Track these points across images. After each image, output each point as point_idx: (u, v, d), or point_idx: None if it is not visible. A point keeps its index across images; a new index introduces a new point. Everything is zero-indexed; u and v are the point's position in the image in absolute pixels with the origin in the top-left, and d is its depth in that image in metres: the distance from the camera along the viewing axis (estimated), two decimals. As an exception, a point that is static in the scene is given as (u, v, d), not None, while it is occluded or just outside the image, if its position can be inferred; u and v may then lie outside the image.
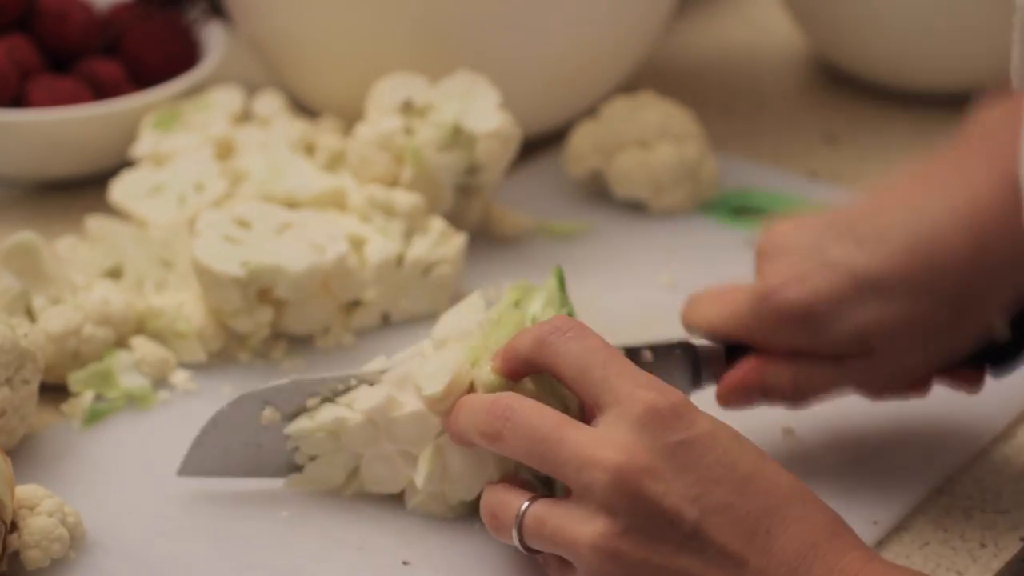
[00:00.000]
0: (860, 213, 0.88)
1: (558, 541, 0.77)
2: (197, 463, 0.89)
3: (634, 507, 0.75)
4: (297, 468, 0.88)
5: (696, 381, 0.90)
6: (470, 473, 0.84)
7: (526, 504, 0.78)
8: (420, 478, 0.85)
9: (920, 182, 0.88)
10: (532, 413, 0.78)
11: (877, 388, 0.90)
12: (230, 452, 0.88)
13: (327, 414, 0.87)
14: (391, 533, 0.86)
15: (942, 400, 0.96)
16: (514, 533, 0.78)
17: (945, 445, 0.93)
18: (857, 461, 0.91)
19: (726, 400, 0.89)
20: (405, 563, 0.84)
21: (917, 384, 0.90)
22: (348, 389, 0.87)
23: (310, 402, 0.87)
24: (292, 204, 1.05)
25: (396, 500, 0.88)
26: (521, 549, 0.79)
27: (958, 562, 0.86)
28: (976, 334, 0.88)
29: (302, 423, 0.87)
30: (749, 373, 0.89)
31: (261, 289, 0.98)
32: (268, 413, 0.88)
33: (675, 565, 0.75)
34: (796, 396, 0.89)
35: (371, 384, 0.87)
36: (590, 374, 0.78)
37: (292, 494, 0.89)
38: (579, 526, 0.76)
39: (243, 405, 0.88)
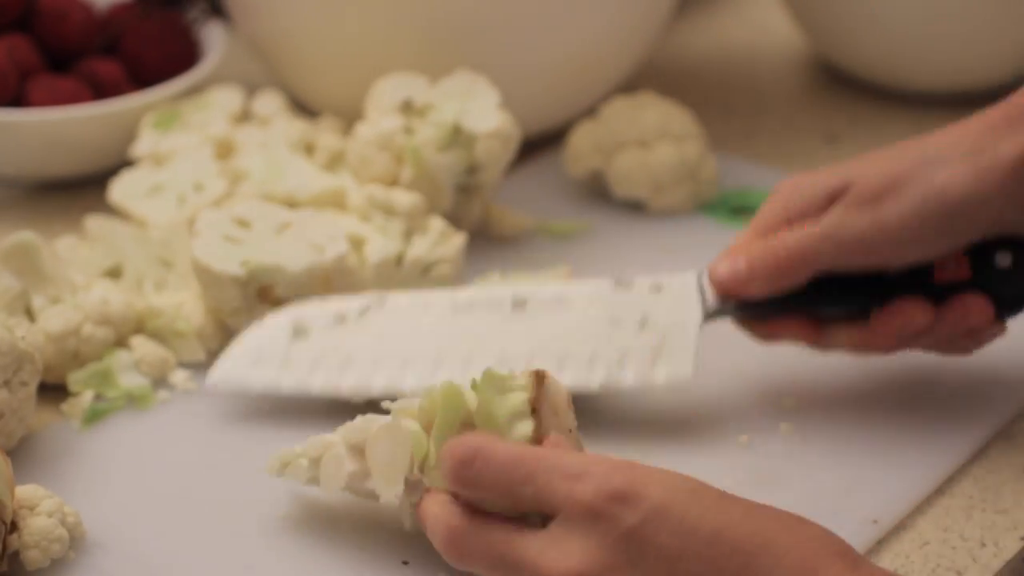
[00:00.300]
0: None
1: None
2: (225, 375, 0.93)
3: None
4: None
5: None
6: None
7: None
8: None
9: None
10: (483, 533, 0.76)
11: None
12: (258, 366, 0.93)
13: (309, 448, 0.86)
14: (391, 533, 0.86)
15: (942, 399, 0.96)
16: None
17: (945, 445, 0.92)
18: (857, 461, 0.91)
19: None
20: (405, 563, 0.84)
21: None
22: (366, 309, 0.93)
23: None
24: (292, 204, 1.05)
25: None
26: None
27: (958, 562, 0.86)
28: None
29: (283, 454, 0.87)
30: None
31: (261, 288, 0.98)
32: (296, 331, 0.92)
33: None
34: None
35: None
36: (521, 493, 0.76)
37: (292, 494, 0.89)
38: None
39: (274, 323, 0.93)
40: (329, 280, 0.99)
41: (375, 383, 0.93)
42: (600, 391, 0.92)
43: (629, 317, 0.94)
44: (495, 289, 0.96)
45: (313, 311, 0.96)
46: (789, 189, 0.93)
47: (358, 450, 0.84)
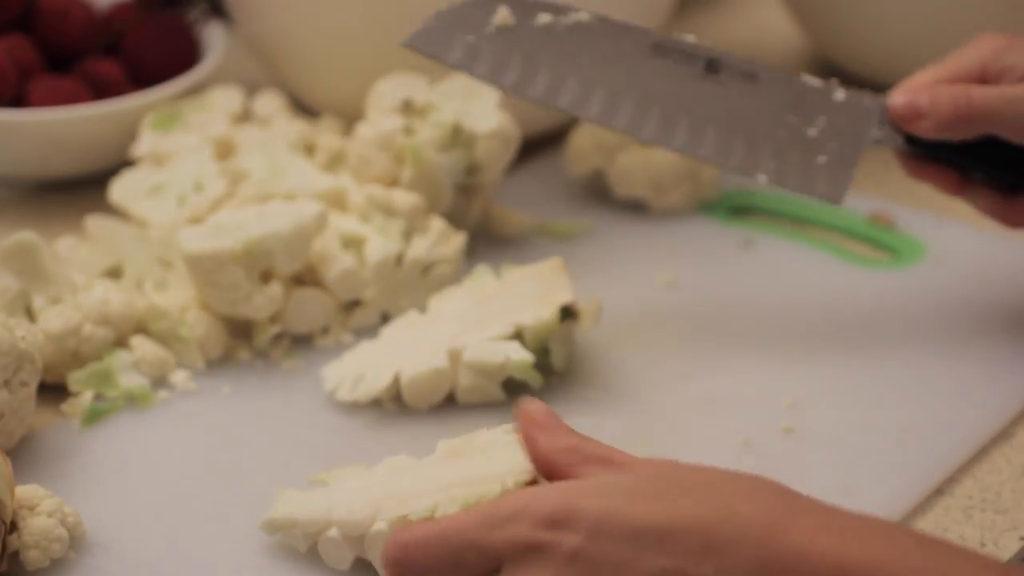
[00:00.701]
0: None
1: None
2: (424, 39, 0.94)
3: None
4: None
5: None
6: None
7: None
8: None
9: None
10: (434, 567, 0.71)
11: None
12: (456, 41, 0.94)
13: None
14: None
15: (942, 399, 0.96)
16: None
17: (945, 445, 0.92)
18: (857, 461, 0.91)
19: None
20: (405, 563, 0.84)
21: None
22: None
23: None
24: (291, 204, 1.06)
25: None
26: None
27: (958, 562, 0.86)
28: None
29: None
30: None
31: (263, 272, 0.98)
32: (502, 13, 0.93)
33: None
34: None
35: None
36: (462, 562, 0.71)
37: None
38: None
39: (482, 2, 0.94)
40: (323, 261, 1.00)
41: (564, 93, 0.96)
42: (762, 184, 0.98)
43: (807, 111, 0.98)
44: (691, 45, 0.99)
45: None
46: (991, 47, 0.94)
47: (355, 540, 0.82)
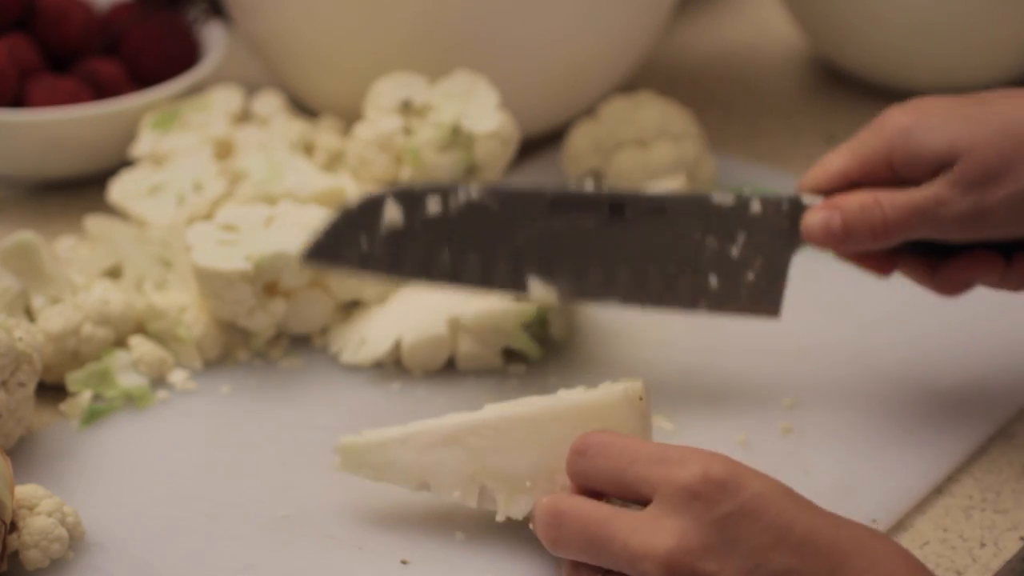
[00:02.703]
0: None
1: None
2: (318, 253, 0.91)
3: None
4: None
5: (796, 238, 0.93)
6: None
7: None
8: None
9: None
10: (580, 514, 0.78)
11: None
12: (350, 247, 0.91)
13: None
14: (391, 533, 0.86)
15: (942, 399, 0.96)
16: None
17: (945, 445, 0.92)
18: (856, 460, 0.91)
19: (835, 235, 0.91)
20: (405, 563, 0.84)
21: None
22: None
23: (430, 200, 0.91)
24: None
25: (396, 500, 0.88)
26: None
27: (958, 562, 0.86)
28: None
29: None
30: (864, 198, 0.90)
31: (267, 284, 0.98)
32: (391, 211, 0.90)
33: None
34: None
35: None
36: (623, 478, 0.78)
37: (292, 494, 0.89)
38: None
39: (369, 204, 0.91)
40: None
41: (467, 272, 0.94)
42: (685, 312, 0.94)
43: (726, 231, 0.95)
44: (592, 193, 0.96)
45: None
46: (898, 127, 0.91)
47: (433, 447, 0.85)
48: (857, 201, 0.91)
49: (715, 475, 0.75)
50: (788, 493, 0.75)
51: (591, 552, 0.78)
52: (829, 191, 0.93)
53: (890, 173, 0.91)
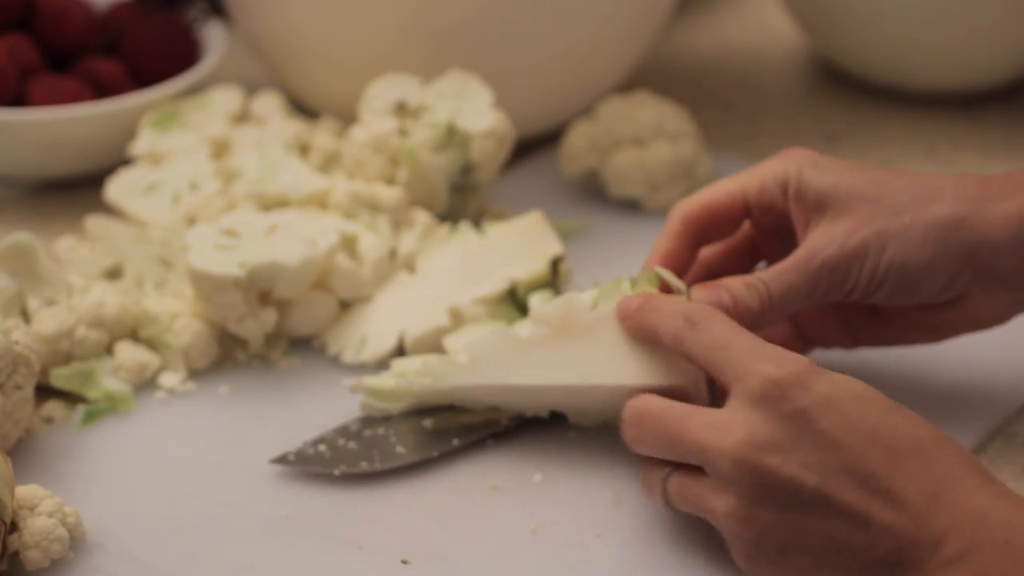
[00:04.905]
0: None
1: (700, 510, 0.82)
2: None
3: (757, 481, 0.78)
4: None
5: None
6: None
7: (667, 473, 0.83)
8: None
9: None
10: (659, 412, 0.83)
11: None
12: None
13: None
14: (391, 533, 0.86)
15: (941, 399, 0.96)
16: (661, 501, 0.84)
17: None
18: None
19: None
20: (405, 563, 0.85)
21: None
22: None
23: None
24: (284, 204, 1.06)
25: (396, 500, 0.88)
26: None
27: (957, 562, 0.86)
28: None
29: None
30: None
31: (262, 293, 0.98)
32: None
33: (805, 527, 0.78)
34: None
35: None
36: (714, 357, 0.82)
37: (292, 494, 0.89)
38: (713, 499, 0.80)
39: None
40: (326, 275, 0.99)
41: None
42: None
43: None
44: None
45: None
46: (797, 162, 0.93)
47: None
48: (739, 284, 0.91)
49: (790, 373, 0.79)
50: (858, 396, 0.79)
51: (667, 447, 0.82)
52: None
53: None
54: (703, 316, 0.84)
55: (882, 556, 0.77)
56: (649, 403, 0.83)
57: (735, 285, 0.90)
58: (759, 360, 0.80)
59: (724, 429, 0.79)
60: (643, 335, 0.86)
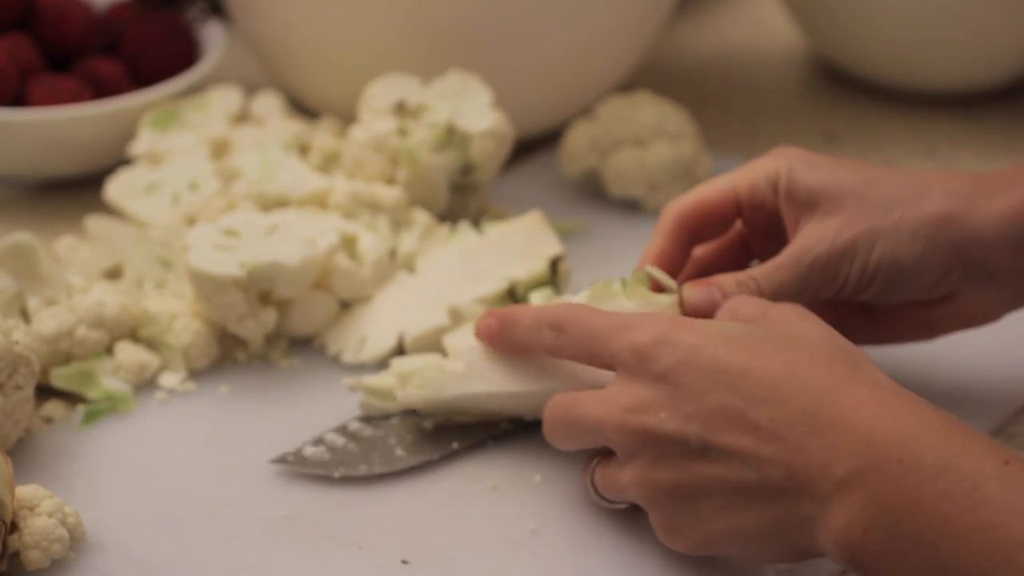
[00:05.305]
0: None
1: (617, 491, 0.83)
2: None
3: (645, 443, 0.80)
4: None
5: None
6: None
7: (593, 465, 0.85)
8: None
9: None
10: (558, 405, 0.85)
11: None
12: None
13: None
14: (391, 533, 0.86)
15: (940, 399, 0.96)
16: (593, 495, 0.86)
17: (944, 445, 0.92)
18: (856, 461, 0.91)
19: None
20: (405, 563, 0.85)
21: None
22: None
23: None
24: (283, 204, 1.06)
25: (396, 500, 0.88)
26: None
27: (957, 562, 0.86)
28: None
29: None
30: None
31: (262, 293, 0.98)
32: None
33: (704, 475, 0.78)
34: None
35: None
36: (590, 350, 0.84)
37: (292, 494, 0.89)
38: (621, 475, 0.82)
39: None
40: (326, 275, 0.99)
41: None
42: None
43: None
44: None
45: None
46: (788, 160, 0.93)
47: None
48: (730, 281, 0.91)
49: (652, 336, 0.80)
50: (725, 339, 0.79)
51: (572, 434, 0.84)
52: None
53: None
54: (564, 317, 0.85)
55: (777, 486, 0.76)
56: (556, 398, 0.85)
57: (726, 282, 0.90)
58: (625, 332, 0.82)
59: (609, 402, 0.81)
60: (515, 351, 0.89)
